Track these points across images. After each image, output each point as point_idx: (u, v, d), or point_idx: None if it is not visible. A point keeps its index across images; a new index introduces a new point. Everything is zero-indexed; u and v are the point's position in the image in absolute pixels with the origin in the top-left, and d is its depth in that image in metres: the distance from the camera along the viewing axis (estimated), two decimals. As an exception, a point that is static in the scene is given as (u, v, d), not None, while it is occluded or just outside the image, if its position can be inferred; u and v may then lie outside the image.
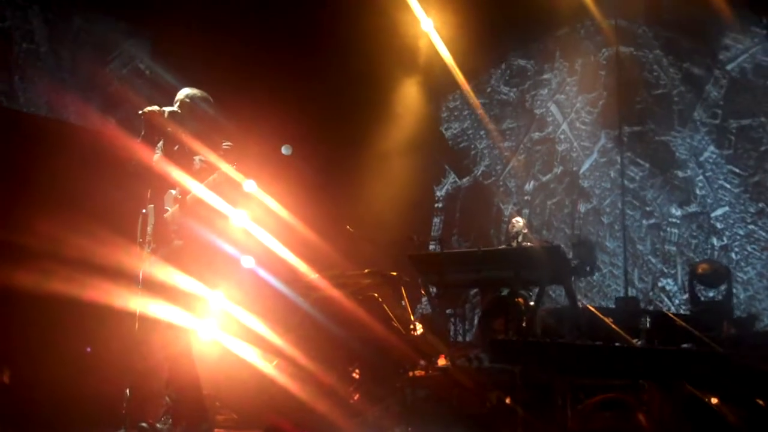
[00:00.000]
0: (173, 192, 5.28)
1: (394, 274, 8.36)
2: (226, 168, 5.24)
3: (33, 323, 6.99)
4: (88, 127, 8.32)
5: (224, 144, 5.29)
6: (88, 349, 7.49)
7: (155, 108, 5.17)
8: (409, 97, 11.52)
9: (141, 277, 5.15)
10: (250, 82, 9.09)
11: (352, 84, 10.56)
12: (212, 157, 5.23)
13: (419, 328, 7.99)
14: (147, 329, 5.18)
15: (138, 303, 5.16)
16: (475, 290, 9.44)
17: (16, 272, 6.36)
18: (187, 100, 5.34)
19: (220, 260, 5.45)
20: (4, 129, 7.56)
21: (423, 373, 7.68)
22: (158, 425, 4.99)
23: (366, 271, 8.33)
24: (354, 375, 7.96)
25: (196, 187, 5.20)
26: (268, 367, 6.98)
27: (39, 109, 8.33)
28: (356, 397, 7.76)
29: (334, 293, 8.28)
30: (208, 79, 6.65)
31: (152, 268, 5.13)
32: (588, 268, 8.30)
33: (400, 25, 10.35)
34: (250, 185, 7.58)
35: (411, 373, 7.72)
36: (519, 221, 9.06)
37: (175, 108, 5.27)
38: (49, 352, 6.89)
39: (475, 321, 8.88)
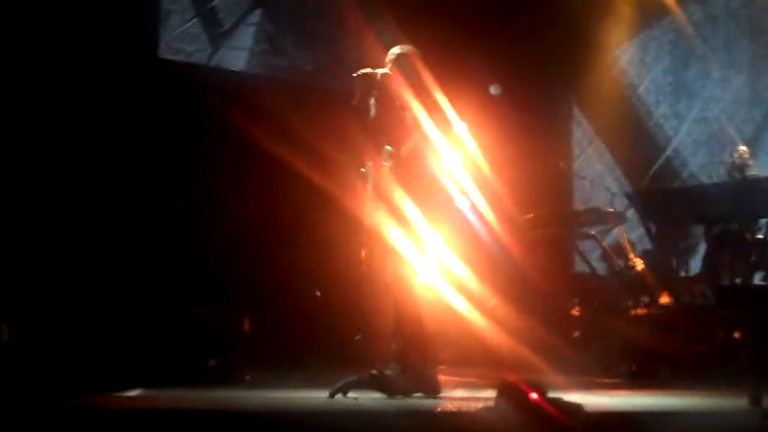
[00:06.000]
0: (389, 148, 5.44)
1: (612, 210, 8.20)
2: (439, 119, 5.37)
3: (267, 268, 7.60)
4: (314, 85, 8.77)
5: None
6: (318, 293, 8.01)
7: (368, 70, 5.33)
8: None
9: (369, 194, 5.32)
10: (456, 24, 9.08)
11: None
12: (422, 114, 5.34)
13: (640, 265, 7.82)
14: (374, 269, 5.34)
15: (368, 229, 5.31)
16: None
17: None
18: (398, 58, 5.46)
19: (443, 201, 5.57)
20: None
21: (645, 310, 7.57)
22: (387, 372, 5.18)
23: (582, 209, 8.24)
24: (574, 312, 7.98)
25: (410, 141, 5.36)
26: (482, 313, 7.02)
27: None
28: (576, 334, 7.79)
29: (551, 232, 8.28)
30: (412, 24, 6.76)
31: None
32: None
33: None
34: (461, 127, 7.63)
35: (633, 311, 7.63)
36: (743, 150, 8.43)
37: (386, 69, 5.41)
38: (282, 299, 7.49)
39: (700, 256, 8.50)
